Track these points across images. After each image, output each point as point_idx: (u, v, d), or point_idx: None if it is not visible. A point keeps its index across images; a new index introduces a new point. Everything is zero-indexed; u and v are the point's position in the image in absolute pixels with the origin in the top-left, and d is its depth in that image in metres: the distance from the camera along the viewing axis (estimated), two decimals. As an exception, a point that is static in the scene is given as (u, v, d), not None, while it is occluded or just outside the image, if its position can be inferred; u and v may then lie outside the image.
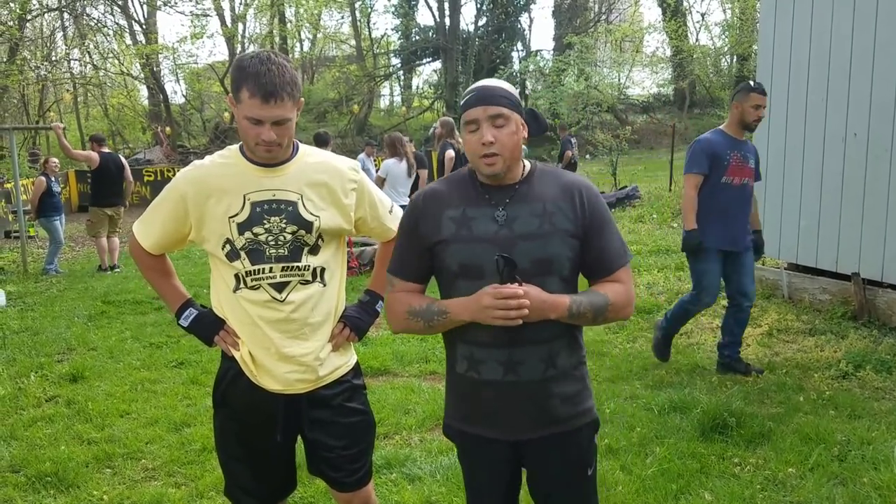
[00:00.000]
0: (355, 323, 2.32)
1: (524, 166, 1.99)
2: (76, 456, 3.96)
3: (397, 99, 38.93)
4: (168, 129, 23.99)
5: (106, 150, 10.09)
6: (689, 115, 29.62)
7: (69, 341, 6.30)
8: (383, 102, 38.50)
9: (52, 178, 10.02)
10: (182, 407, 4.70)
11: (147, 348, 6.05)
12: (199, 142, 26.08)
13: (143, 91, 30.13)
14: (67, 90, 27.15)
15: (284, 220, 2.13)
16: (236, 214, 2.13)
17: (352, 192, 2.24)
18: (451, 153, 8.96)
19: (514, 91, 1.98)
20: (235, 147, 2.21)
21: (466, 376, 1.98)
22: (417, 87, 36.89)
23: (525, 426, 1.97)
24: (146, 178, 19.36)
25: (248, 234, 2.13)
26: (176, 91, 35.57)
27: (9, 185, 13.86)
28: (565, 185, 1.96)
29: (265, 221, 2.13)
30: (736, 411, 4.10)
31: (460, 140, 9.44)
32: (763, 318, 6.25)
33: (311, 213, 2.16)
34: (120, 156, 10.67)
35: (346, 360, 2.33)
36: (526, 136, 1.97)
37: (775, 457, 3.73)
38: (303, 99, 2.14)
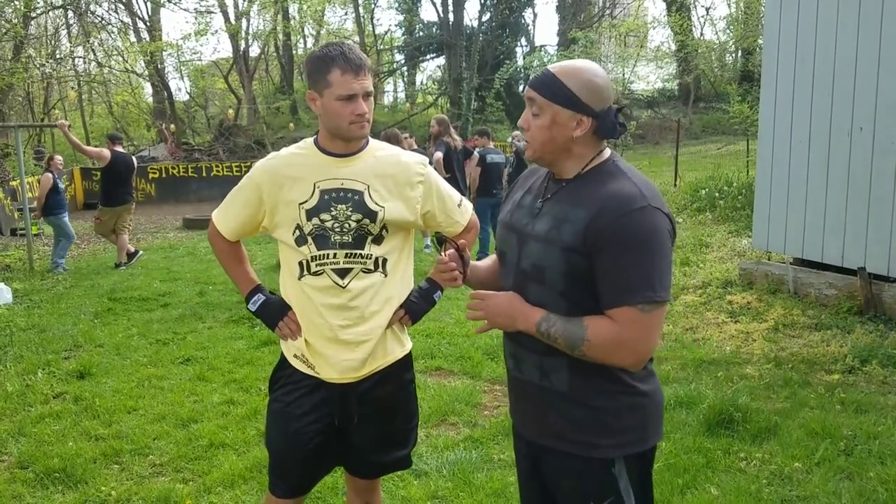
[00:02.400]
0: (411, 307, 2.38)
1: (590, 163, 1.79)
2: (84, 452, 3.98)
3: (401, 95, 38.91)
4: (172, 126, 23.98)
5: (120, 149, 10.09)
6: (693, 110, 29.54)
7: (76, 338, 6.32)
8: (387, 99, 38.49)
9: (57, 175, 10.04)
10: (189, 403, 4.72)
11: (153, 345, 6.07)
12: (204, 139, 26.04)
13: (148, 88, 30.15)
14: (72, 88, 27.19)
15: (350, 209, 2.22)
16: (306, 201, 2.22)
17: (418, 184, 2.32)
18: (438, 155, 8.88)
19: (579, 81, 1.72)
20: (310, 139, 2.32)
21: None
22: (421, 84, 36.88)
23: (527, 427, 1.93)
24: (151, 176, 19.37)
25: (315, 221, 2.22)
26: (180, 88, 35.72)
27: (14, 183, 13.90)
28: (599, 194, 1.71)
29: (332, 208, 2.22)
30: (742, 406, 4.10)
31: (456, 137, 9.38)
32: (769, 314, 6.25)
33: (377, 204, 2.24)
34: (133, 157, 10.70)
35: (400, 346, 2.40)
36: (579, 134, 1.74)
37: (781, 451, 3.73)
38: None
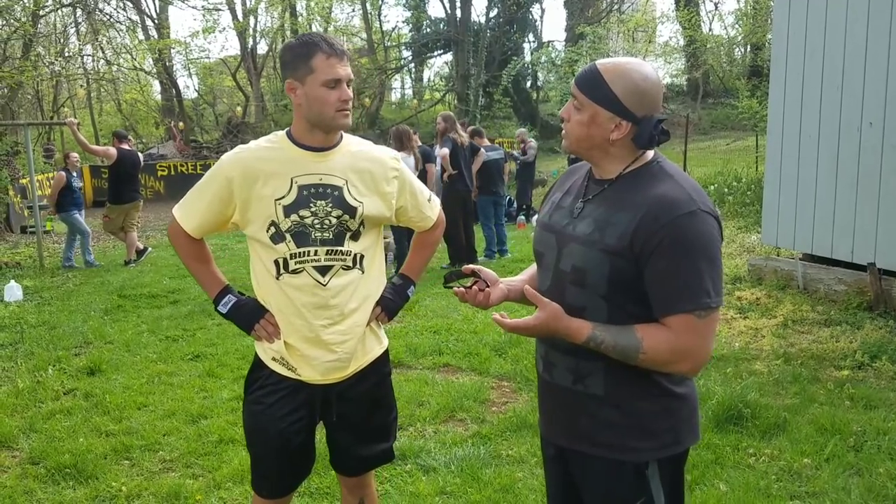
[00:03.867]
0: (387, 304, 2.37)
1: (632, 164, 1.76)
2: (94, 448, 4.00)
3: (409, 92, 38.87)
4: (181, 123, 24.07)
5: (126, 146, 10.08)
6: (702, 106, 29.40)
7: (86, 335, 6.35)
8: (394, 95, 38.46)
9: (73, 174, 10.05)
10: (199, 399, 4.74)
11: (163, 341, 6.10)
12: (212, 136, 26.12)
13: (156, 86, 30.24)
14: (81, 86, 27.29)
15: (330, 204, 2.18)
16: (283, 197, 2.16)
17: (393, 179, 2.29)
18: (444, 151, 8.85)
19: (624, 83, 1.68)
20: (282, 132, 2.25)
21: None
22: (429, 80, 36.82)
23: (557, 431, 1.89)
24: (160, 174, 19.45)
25: (294, 217, 2.16)
26: (188, 86, 35.71)
27: (24, 181, 13.96)
28: (645, 197, 1.67)
29: (311, 205, 2.17)
30: (751, 402, 4.10)
31: (462, 133, 9.34)
32: (778, 309, 6.23)
33: (356, 199, 2.20)
34: (139, 154, 10.72)
35: (378, 343, 2.39)
36: (617, 137, 1.71)
37: (790, 447, 3.73)
38: None
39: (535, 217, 2.00)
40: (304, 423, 2.30)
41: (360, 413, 2.35)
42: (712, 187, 12.39)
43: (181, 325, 6.62)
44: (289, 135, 2.23)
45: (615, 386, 1.75)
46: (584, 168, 1.91)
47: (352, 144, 2.28)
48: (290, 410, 2.27)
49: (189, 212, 2.28)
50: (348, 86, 2.13)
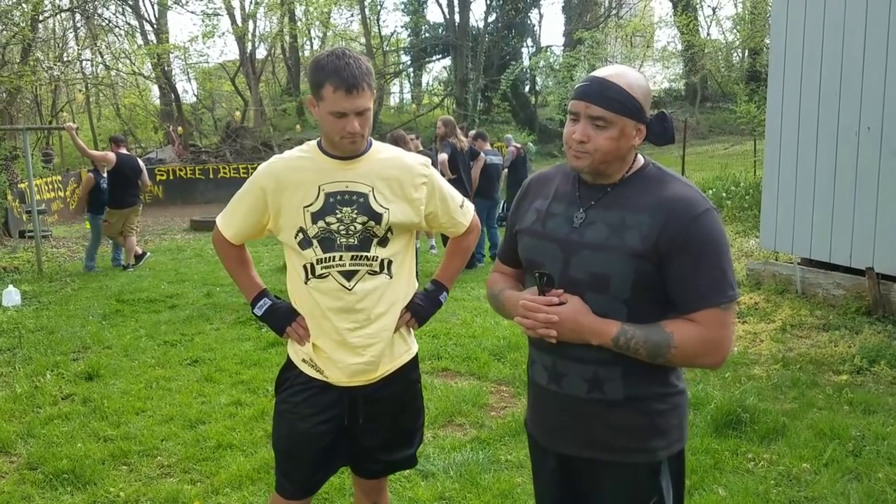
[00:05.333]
0: (416, 310, 2.39)
1: (631, 167, 1.79)
2: (92, 453, 3.99)
3: (407, 96, 38.94)
4: (180, 128, 24.05)
5: (124, 151, 10.09)
6: (700, 110, 29.47)
7: (84, 340, 6.34)
8: (393, 100, 38.52)
9: (101, 174, 10.03)
10: (197, 404, 4.73)
11: (161, 346, 6.09)
12: (211, 141, 26.10)
13: (155, 91, 30.26)
14: (80, 90, 27.24)
15: (356, 211, 2.22)
16: (311, 204, 2.22)
17: (422, 185, 2.31)
18: (443, 156, 8.84)
19: (639, 89, 1.72)
20: (314, 142, 2.31)
21: (528, 373, 1.96)
22: (427, 85, 36.88)
23: (565, 441, 1.86)
24: (158, 178, 19.44)
25: (320, 223, 2.21)
26: (187, 90, 35.71)
27: (23, 186, 13.94)
28: (661, 199, 1.71)
29: (337, 211, 2.21)
30: (750, 407, 4.09)
31: (462, 138, 9.33)
32: (776, 314, 6.23)
33: (381, 206, 2.23)
34: (139, 159, 10.71)
35: (407, 348, 2.40)
36: (638, 142, 1.75)
37: (789, 452, 3.73)
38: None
39: (523, 226, 1.92)
40: (331, 425, 2.32)
41: (385, 417, 2.37)
42: (711, 192, 12.40)
43: (179, 329, 6.61)
44: (319, 144, 2.28)
45: (634, 389, 1.76)
46: (558, 173, 1.91)
47: (381, 151, 2.30)
48: (316, 411, 2.30)
49: (229, 220, 2.38)
50: (360, 115, 2.13)
